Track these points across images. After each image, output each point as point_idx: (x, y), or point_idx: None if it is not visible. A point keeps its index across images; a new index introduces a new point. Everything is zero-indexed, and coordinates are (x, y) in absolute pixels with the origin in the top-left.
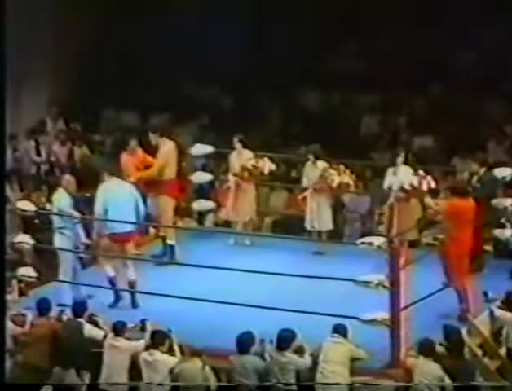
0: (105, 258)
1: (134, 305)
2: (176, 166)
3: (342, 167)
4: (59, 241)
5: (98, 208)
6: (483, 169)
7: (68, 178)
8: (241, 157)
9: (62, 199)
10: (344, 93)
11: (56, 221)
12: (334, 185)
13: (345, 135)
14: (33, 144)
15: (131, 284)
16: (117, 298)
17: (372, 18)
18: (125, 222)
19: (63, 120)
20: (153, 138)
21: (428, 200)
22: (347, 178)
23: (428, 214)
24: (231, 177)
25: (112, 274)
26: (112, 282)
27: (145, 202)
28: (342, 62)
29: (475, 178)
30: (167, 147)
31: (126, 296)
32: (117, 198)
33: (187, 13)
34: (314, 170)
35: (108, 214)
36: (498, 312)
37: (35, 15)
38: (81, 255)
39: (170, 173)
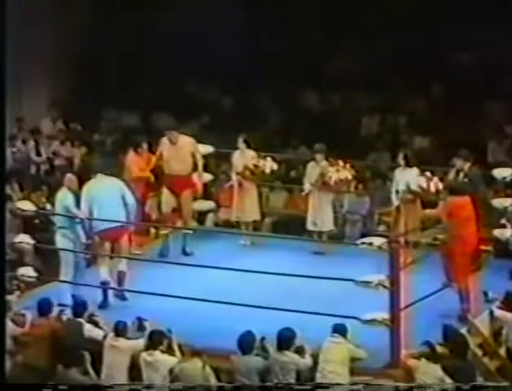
0: (101, 259)
1: (121, 297)
2: (193, 162)
3: (340, 163)
4: (60, 240)
5: (83, 208)
6: (467, 165)
7: (70, 177)
8: (244, 157)
9: (65, 198)
10: (344, 93)
11: (58, 221)
12: (332, 182)
13: (345, 135)
14: (33, 144)
15: (119, 274)
16: (106, 301)
17: (373, 18)
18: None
19: (62, 120)
20: (173, 135)
21: (429, 211)
22: (346, 174)
23: (428, 216)
24: (233, 177)
25: (106, 277)
26: (104, 285)
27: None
28: (342, 62)
29: (462, 175)
30: (186, 142)
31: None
32: (101, 194)
33: (187, 13)
34: (316, 169)
35: (95, 213)
36: (498, 312)
37: (35, 16)
38: (82, 255)
39: (188, 167)
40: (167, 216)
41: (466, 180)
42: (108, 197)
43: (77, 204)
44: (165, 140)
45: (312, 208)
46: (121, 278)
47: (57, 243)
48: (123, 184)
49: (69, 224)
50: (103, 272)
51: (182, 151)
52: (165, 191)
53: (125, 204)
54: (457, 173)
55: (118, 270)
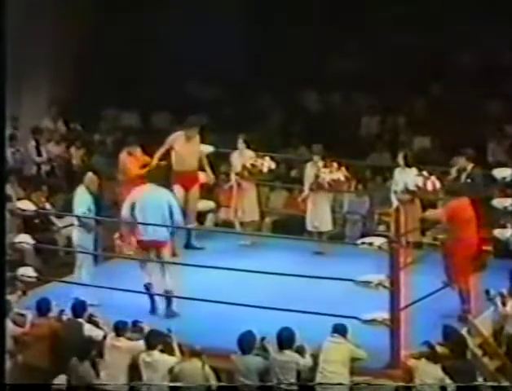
0: (140, 265)
1: (168, 313)
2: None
3: (335, 165)
4: (77, 238)
5: (124, 211)
6: (470, 165)
7: (90, 176)
8: (243, 157)
9: (82, 198)
10: (344, 93)
11: (76, 220)
12: (325, 183)
13: (345, 135)
14: (34, 144)
15: (168, 293)
16: (153, 305)
17: (373, 18)
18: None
19: (62, 120)
20: (191, 131)
21: (429, 212)
22: (338, 175)
23: (428, 217)
24: (232, 177)
25: (147, 280)
26: (147, 288)
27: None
28: (343, 62)
29: (464, 175)
30: (197, 138)
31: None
32: (147, 204)
33: (187, 12)
34: (313, 170)
35: (136, 220)
36: (502, 308)
37: (35, 15)
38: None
39: (197, 164)
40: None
41: (469, 181)
42: (152, 209)
43: (96, 204)
44: (178, 136)
45: (310, 209)
46: (169, 298)
47: (74, 241)
48: (173, 198)
49: (83, 223)
50: (145, 275)
51: (197, 147)
52: (177, 188)
53: (171, 219)
54: (459, 172)
55: (166, 289)
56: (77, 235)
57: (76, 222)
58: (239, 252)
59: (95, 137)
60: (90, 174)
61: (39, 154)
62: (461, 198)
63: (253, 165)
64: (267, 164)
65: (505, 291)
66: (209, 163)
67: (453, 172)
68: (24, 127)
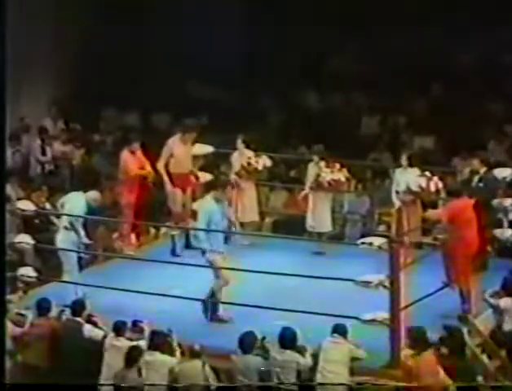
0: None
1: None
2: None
3: (337, 165)
4: (61, 239)
5: None
6: (483, 169)
7: (94, 193)
8: (242, 157)
9: (77, 203)
10: (344, 93)
11: (63, 220)
12: (325, 183)
13: (345, 135)
14: (39, 143)
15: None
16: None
17: (373, 18)
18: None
19: (63, 120)
20: (188, 135)
21: (430, 212)
22: (339, 175)
23: (428, 217)
24: (232, 177)
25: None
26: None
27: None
28: (343, 62)
29: (476, 178)
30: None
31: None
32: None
33: (187, 12)
34: (313, 171)
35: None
36: (499, 301)
37: (35, 15)
38: (81, 256)
39: (190, 165)
40: (180, 214)
41: (481, 184)
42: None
43: (89, 212)
44: (175, 139)
45: (310, 209)
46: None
47: (58, 242)
48: (211, 209)
49: (72, 223)
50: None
51: (191, 150)
52: (176, 190)
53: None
54: (471, 173)
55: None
56: (61, 237)
57: (63, 223)
58: (239, 252)
59: (95, 137)
60: (94, 192)
61: (44, 153)
62: (462, 198)
63: (249, 164)
64: (262, 162)
65: (498, 288)
66: (203, 163)
67: (466, 174)
68: (28, 129)
